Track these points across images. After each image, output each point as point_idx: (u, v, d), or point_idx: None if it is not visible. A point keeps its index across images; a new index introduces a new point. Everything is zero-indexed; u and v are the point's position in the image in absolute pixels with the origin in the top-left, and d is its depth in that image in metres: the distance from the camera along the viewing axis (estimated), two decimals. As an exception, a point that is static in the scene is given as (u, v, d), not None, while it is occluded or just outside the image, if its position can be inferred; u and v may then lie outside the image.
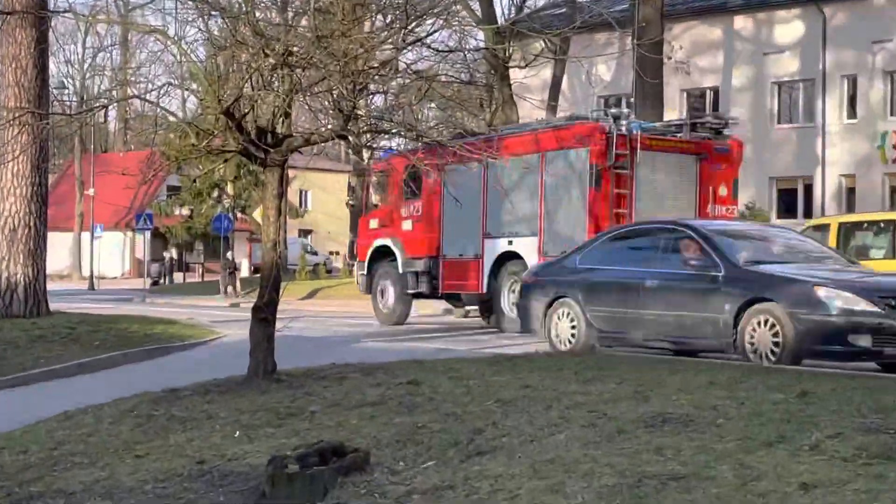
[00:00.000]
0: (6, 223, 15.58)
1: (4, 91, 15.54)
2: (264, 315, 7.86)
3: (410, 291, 15.73)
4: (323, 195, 58.44)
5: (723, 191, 13.27)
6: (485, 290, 14.31)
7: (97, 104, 9.30)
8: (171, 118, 9.55)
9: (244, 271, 48.18)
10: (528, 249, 13.16)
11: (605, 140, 12.48)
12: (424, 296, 15.95)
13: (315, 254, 49.02)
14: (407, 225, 15.91)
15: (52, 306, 16.26)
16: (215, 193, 40.71)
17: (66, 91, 44.69)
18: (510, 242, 13.57)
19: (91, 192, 44.11)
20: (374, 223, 16.88)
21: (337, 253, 54.34)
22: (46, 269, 15.95)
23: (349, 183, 22.63)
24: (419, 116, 8.99)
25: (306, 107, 8.73)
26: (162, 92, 9.35)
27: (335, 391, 7.09)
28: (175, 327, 15.36)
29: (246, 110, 7.65)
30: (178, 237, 43.04)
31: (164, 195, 45.18)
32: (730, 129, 13.48)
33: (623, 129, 12.67)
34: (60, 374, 11.42)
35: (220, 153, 8.24)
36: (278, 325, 8.09)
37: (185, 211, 42.60)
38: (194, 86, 8.19)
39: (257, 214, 24.83)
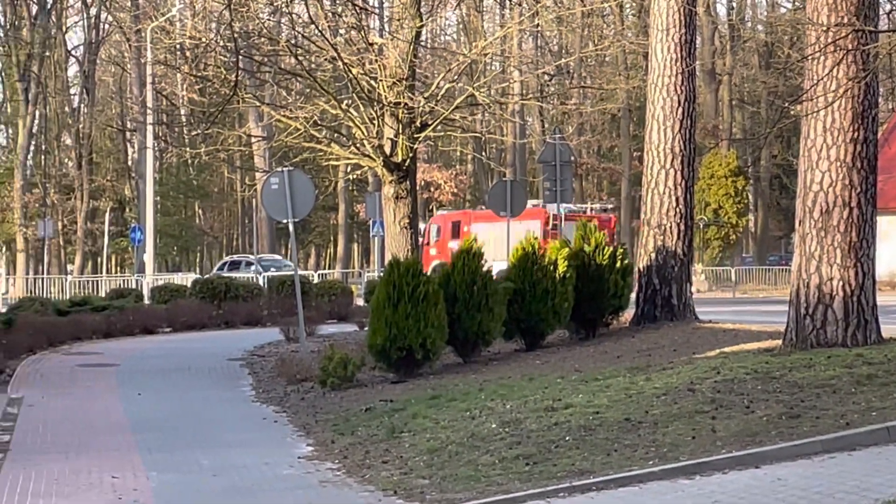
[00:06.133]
0: (815, 202, 16.92)
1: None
2: None
3: None
4: None
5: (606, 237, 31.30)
6: None
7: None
8: None
9: None
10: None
11: (546, 217, 46.22)
12: None
13: None
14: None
15: (885, 329, 17.47)
16: None
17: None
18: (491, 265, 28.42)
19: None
20: (433, 251, 52.04)
21: None
22: (875, 272, 17.10)
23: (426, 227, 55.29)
24: None
25: None
26: None
27: None
28: None
29: None
30: None
31: None
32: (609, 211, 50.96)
33: (554, 210, 40.88)
34: (902, 434, 12.37)
35: None
36: None
37: None
38: None
39: None
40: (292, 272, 47.25)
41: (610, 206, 54.84)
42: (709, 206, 71.05)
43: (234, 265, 56.57)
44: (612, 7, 65.02)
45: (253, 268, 53.51)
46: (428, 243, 52.45)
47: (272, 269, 51.56)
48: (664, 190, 24.15)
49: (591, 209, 51.36)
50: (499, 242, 40.82)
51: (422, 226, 62.63)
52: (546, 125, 70.34)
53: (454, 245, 47.50)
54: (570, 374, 17.41)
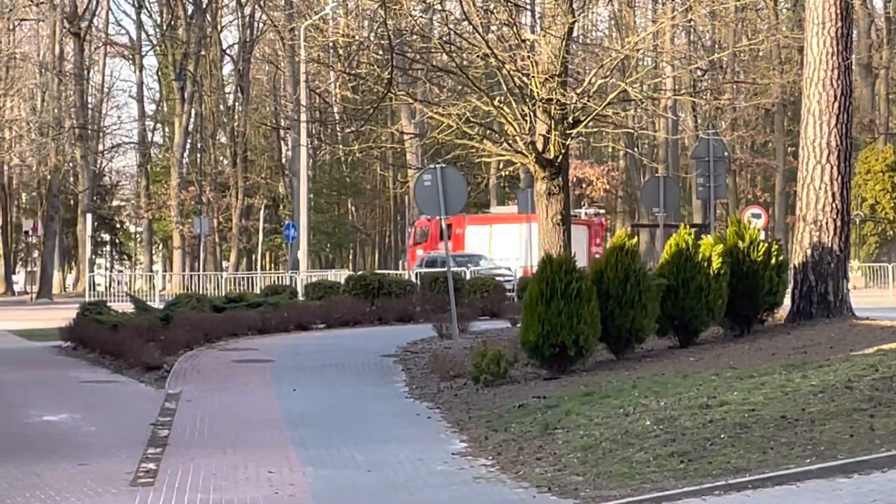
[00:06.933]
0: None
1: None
2: None
3: None
4: None
5: (597, 240, 56.75)
6: None
7: None
8: None
9: None
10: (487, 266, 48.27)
11: None
12: None
13: None
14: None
15: None
16: None
17: None
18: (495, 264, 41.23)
19: None
20: (419, 252, 55.61)
21: None
22: None
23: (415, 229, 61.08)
24: None
25: None
26: None
27: None
28: None
29: None
30: None
31: None
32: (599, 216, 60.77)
33: None
34: None
35: None
36: None
37: None
38: None
39: None
40: (498, 268, 49.48)
41: (601, 211, 63.60)
42: (865, 202, 69.93)
43: (431, 262, 56.72)
44: (767, 1, 64.24)
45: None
46: (414, 244, 60.55)
47: (469, 265, 51.15)
48: (820, 185, 23.82)
49: (585, 213, 58.34)
50: (494, 244, 52.08)
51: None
52: (699, 120, 69.77)
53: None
54: (725, 371, 17.27)
